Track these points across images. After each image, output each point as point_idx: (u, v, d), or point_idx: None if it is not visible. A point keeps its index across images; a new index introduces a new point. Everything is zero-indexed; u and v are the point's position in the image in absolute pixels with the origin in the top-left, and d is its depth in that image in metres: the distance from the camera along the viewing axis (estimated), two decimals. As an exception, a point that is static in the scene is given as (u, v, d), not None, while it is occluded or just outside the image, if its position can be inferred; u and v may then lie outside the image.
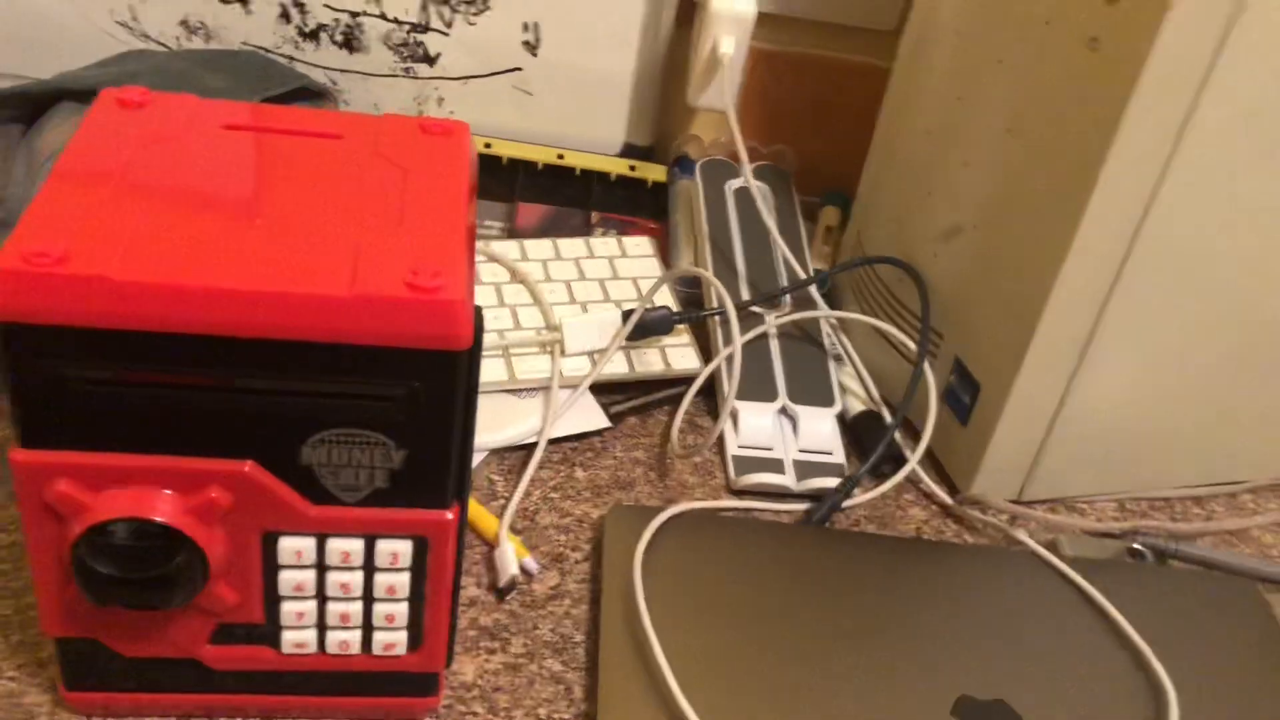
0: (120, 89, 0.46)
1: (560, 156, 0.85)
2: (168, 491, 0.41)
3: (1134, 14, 0.51)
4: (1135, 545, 0.63)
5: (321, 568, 0.44)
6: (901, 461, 0.66)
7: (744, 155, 0.75)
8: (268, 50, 0.83)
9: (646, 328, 0.68)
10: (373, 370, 0.39)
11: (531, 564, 0.57)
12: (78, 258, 0.37)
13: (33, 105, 0.69)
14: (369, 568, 0.44)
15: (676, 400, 0.69)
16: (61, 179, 0.41)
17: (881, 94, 0.75)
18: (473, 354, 0.40)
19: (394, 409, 0.41)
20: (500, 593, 0.56)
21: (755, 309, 0.72)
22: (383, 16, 0.82)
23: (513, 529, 0.60)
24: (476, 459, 0.63)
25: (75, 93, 0.68)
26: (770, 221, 0.75)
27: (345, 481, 0.42)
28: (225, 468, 0.41)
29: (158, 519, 0.40)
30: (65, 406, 0.39)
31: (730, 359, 0.66)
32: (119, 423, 0.40)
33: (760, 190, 0.80)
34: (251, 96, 0.72)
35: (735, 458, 0.66)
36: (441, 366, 0.40)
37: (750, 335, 0.69)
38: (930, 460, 0.69)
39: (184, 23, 0.82)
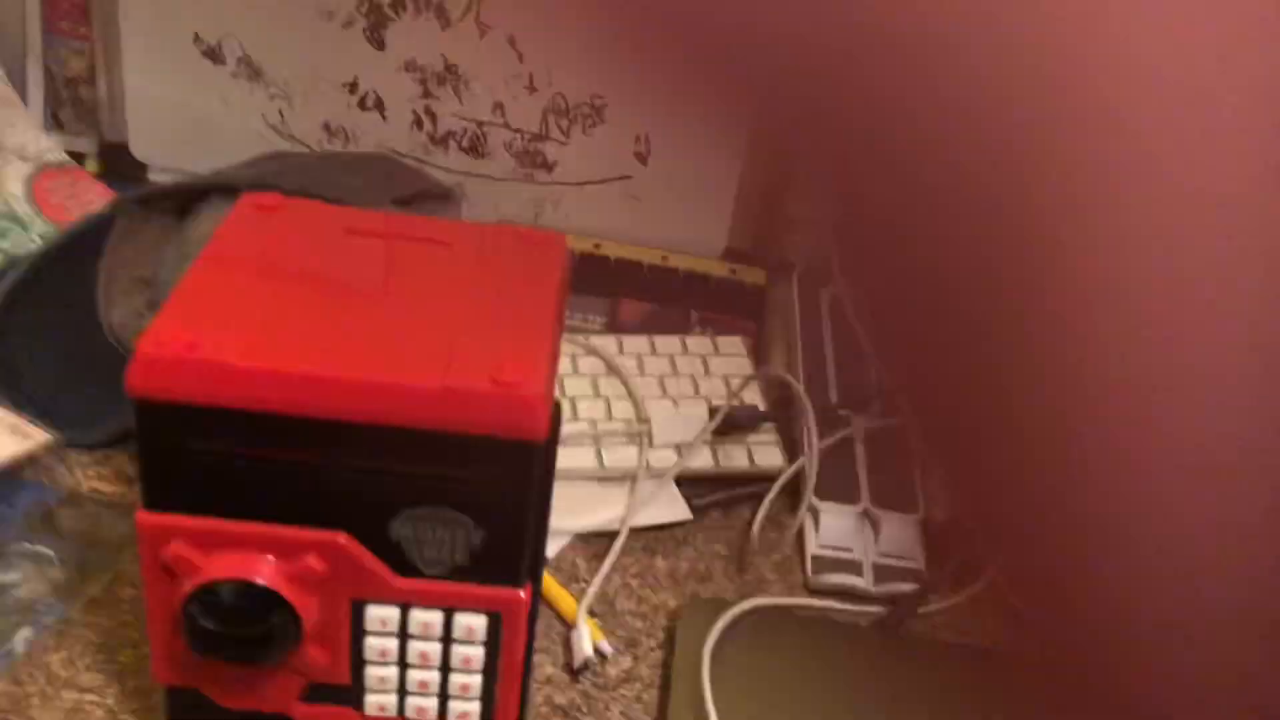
0: (258, 194, 0.51)
1: (664, 258, 0.89)
2: (270, 557, 0.45)
3: None
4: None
5: (404, 636, 0.47)
6: (981, 571, 0.67)
7: (837, 263, 0.77)
8: (400, 154, 0.90)
9: (734, 424, 0.71)
10: (458, 456, 0.43)
11: (606, 647, 0.60)
12: (206, 345, 0.42)
13: (186, 199, 0.76)
14: (447, 639, 0.47)
15: (760, 497, 0.71)
16: (199, 274, 0.46)
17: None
18: (549, 446, 0.44)
19: (475, 492, 0.44)
20: (575, 673, 0.59)
21: (844, 412, 0.74)
22: (506, 126, 0.88)
23: (591, 612, 0.62)
24: (562, 542, 0.66)
25: (225, 188, 0.75)
26: (861, 329, 0.77)
27: (429, 556, 0.46)
28: (322, 538, 0.45)
29: (259, 581, 0.45)
30: (185, 475, 0.44)
31: (812, 459, 0.68)
32: (230, 492, 0.44)
33: (854, 297, 0.82)
34: (383, 196, 0.78)
35: (814, 557, 0.67)
36: (519, 456, 0.43)
37: (835, 437, 0.71)
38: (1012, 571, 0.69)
39: (326, 126, 0.89)
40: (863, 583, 0.66)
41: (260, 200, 0.51)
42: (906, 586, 0.66)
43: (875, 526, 0.69)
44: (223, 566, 0.44)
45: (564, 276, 0.51)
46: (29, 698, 0.53)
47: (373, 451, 0.43)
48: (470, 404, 0.42)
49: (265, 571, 0.45)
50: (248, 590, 0.45)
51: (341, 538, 0.45)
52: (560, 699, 0.57)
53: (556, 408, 0.44)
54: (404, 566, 0.46)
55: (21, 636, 0.55)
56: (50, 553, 0.60)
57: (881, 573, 0.67)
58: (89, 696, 0.54)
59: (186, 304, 0.44)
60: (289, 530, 0.45)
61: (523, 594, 0.47)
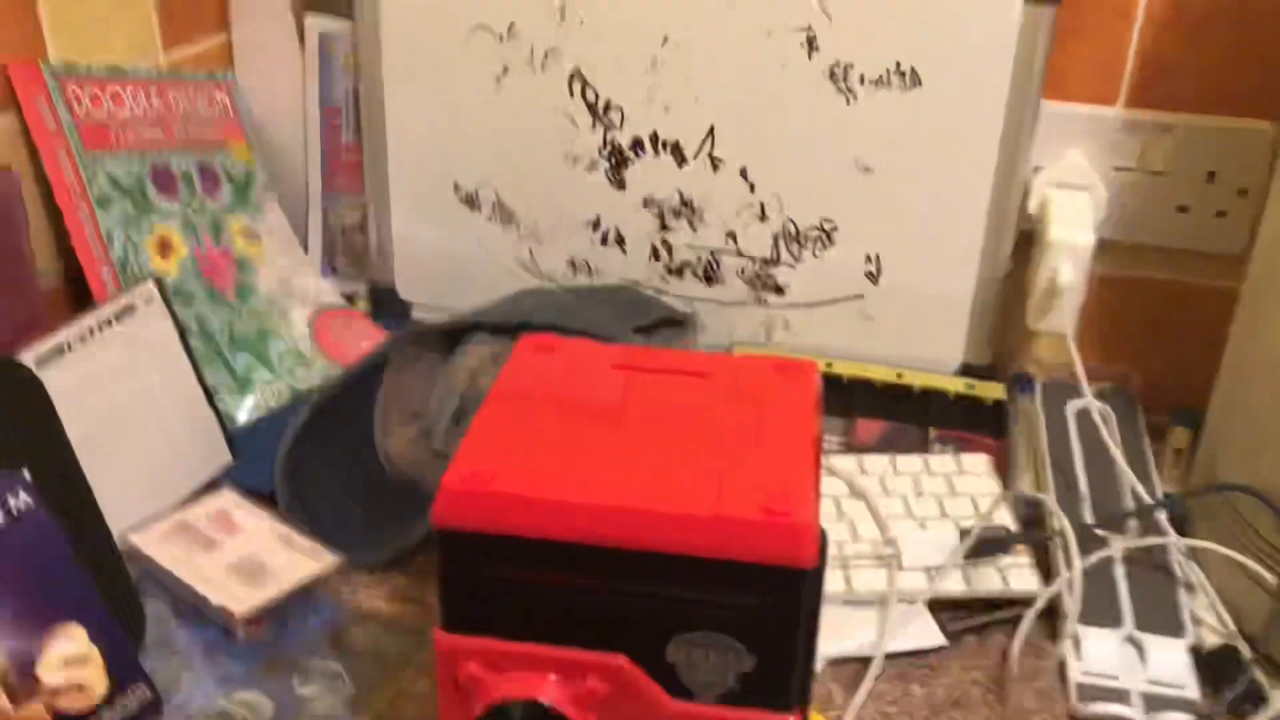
0: (536, 336, 0.56)
1: (899, 375, 0.90)
2: (554, 677, 0.48)
3: None
4: None
5: (677, 759, 0.49)
6: (1263, 701, 0.63)
7: (1083, 378, 0.76)
8: (639, 284, 0.95)
9: (985, 546, 0.70)
10: (730, 582, 0.45)
11: (867, 775, 0.59)
12: (502, 479, 0.46)
13: (452, 336, 0.82)
14: (718, 763, 0.48)
15: (1015, 621, 0.69)
16: (489, 412, 0.50)
17: (1228, 316, 0.75)
18: (817, 573, 0.45)
19: (747, 618, 0.46)
20: (836, 801, 0.58)
21: (1100, 532, 0.72)
22: (739, 254, 0.91)
23: (849, 739, 0.62)
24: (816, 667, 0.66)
25: (485, 326, 0.82)
26: (1113, 444, 0.75)
27: (701, 679, 0.47)
28: (603, 660, 0.47)
29: (545, 701, 0.47)
30: (480, 599, 0.47)
31: (1071, 582, 0.66)
32: (520, 615, 0.47)
33: (1102, 412, 0.81)
34: (626, 325, 0.83)
35: (1079, 685, 0.65)
36: (789, 582, 0.45)
37: (1093, 559, 0.69)
38: (1298, 703, 0.64)
39: (571, 262, 0.95)
40: (1132, 713, 0.63)
41: (538, 342, 0.56)
42: (1180, 717, 0.63)
43: (1142, 652, 0.66)
44: (512, 686, 0.47)
45: (818, 403, 0.53)
46: (327, 806, 0.57)
47: (650, 578, 0.45)
48: (743, 532, 0.44)
49: (551, 692, 0.47)
50: (535, 709, 0.47)
51: (621, 660, 0.47)
52: (823, 827, 0.57)
53: (823, 535, 0.46)
54: (678, 689, 0.48)
55: (319, 747, 0.60)
56: (340, 669, 0.65)
57: (1152, 702, 0.64)
58: (379, 807, 0.57)
59: (481, 440, 0.48)
60: (572, 652, 0.47)
61: (792, 718, 0.47)
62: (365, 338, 0.95)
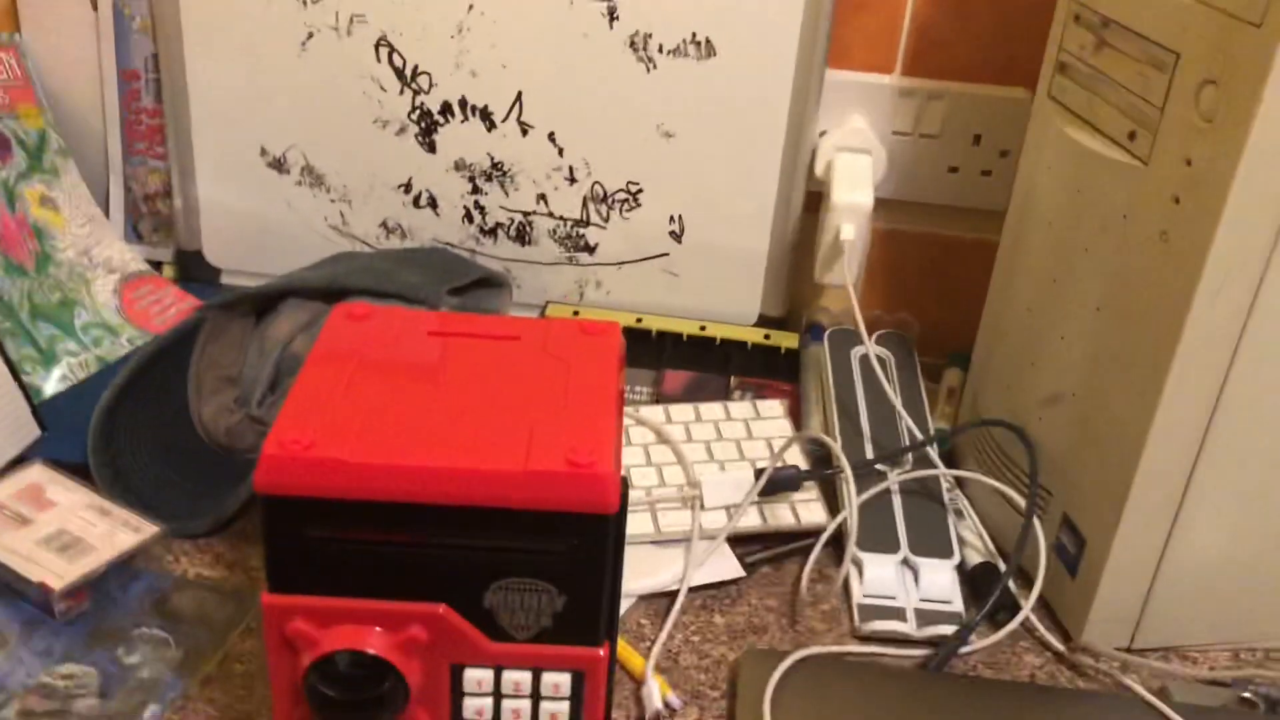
0: (350, 305, 0.58)
1: (702, 328, 0.96)
2: (379, 629, 0.51)
3: (1196, 213, 0.59)
4: (1246, 694, 0.67)
5: (498, 695, 0.53)
6: (1016, 610, 0.72)
7: (862, 327, 0.83)
8: (453, 245, 0.97)
9: (778, 484, 0.77)
10: (541, 530, 0.49)
11: (674, 700, 0.65)
12: (320, 444, 0.48)
13: (263, 302, 0.83)
14: (535, 696, 0.53)
15: (806, 551, 0.76)
16: (306, 380, 0.52)
17: (989, 265, 0.83)
18: (619, 517, 0.50)
19: (557, 562, 0.50)
20: (647, 723, 0.64)
21: (880, 467, 0.79)
22: (550, 215, 0.95)
23: (658, 668, 0.68)
24: (626, 604, 0.71)
25: (298, 290, 0.82)
26: (889, 387, 0.83)
27: (518, 622, 0.51)
28: (424, 610, 0.51)
29: (371, 651, 0.50)
30: (304, 560, 0.50)
31: (852, 513, 0.73)
32: (344, 573, 0.50)
33: (882, 356, 0.88)
34: (441, 287, 0.85)
35: (860, 605, 0.72)
36: (595, 527, 0.49)
37: (872, 491, 0.77)
38: (1044, 609, 0.74)
39: (384, 224, 0.97)
40: (906, 627, 0.71)
41: (351, 310, 0.58)
42: (948, 628, 0.71)
43: (915, 573, 0.74)
44: (339, 639, 0.50)
45: (621, 361, 0.57)
46: (159, 767, 0.59)
47: (467, 531, 0.49)
48: (550, 484, 0.48)
49: (376, 642, 0.51)
50: (360, 659, 0.50)
51: (441, 609, 0.51)
52: (635, 747, 0.62)
53: (624, 482, 0.50)
54: (496, 632, 0.52)
55: (149, 713, 0.61)
56: (166, 635, 0.66)
57: (924, 617, 0.72)
58: (212, 763, 0.59)
59: (300, 407, 0.50)
60: (395, 605, 0.51)
61: (602, 652, 0.52)
62: (174, 305, 0.94)
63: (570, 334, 0.59)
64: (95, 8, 0.92)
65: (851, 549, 0.72)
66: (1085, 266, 0.68)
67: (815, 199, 0.93)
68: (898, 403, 0.82)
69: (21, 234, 0.86)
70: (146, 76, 0.94)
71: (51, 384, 0.83)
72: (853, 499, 0.72)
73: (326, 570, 0.50)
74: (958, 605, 0.73)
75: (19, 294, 0.84)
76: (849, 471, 0.74)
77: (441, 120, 0.92)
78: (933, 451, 0.81)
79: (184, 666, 0.64)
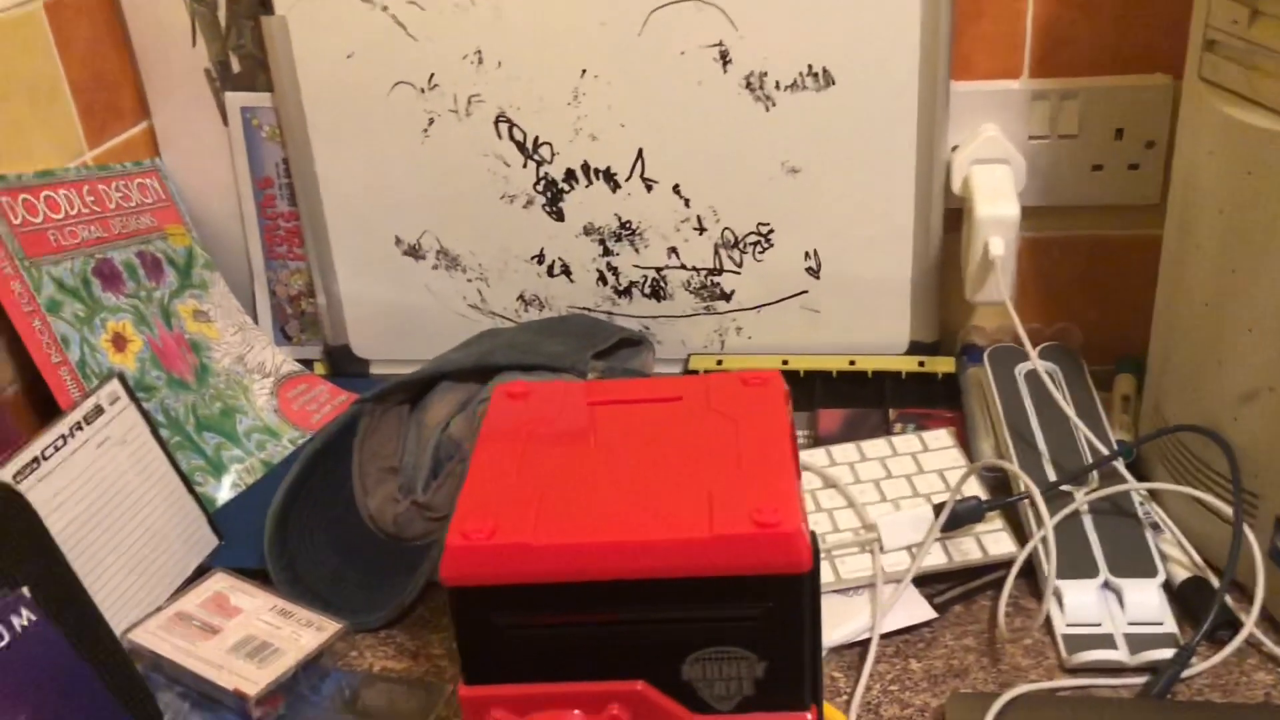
0: (508, 385, 0.58)
1: (852, 362, 0.93)
2: (578, 712, 0.50)
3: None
4: None
5: (705, 770, 0.51)
6: (1236, 626, 0.67)
7: (1027, 343, 0.79)
8: (590, 309, 0.97)
9: (960, 518, 0.73)
10: (733, 596, 0.47)
11: (882, 754, 0.62)
12: (502, 530, 0.47)
13: (416, 389, 0.84)
14: (745, 767, 0.51)
15: (997, 585, 0.73)
16: (478, 466, 0.52)
17: (1153, 262, 0.78)
18: (813, 574, 0.48)
19: (753, 627, 0.48)
20: (857, 784, 0.61)
21: (1065, 487, 0.75)
22: (683, 267, 0.94)
23: (860, 722, 0.65)
24: (817, 657, 0.69)
25: (448, 373, 0.83)
26: (1063, 400, 0.79)
27: (718, 692, 0.50)
28: (622, 689, 0.49)
29: (572, 736, 0.49)
30: (497, 648, 0.49)
31: (1045, 540, 0.69)
32: (537, 657, 0.49)
33: (1049, 370, 0.84)
34: (584, 353, 0.85)
35: (1065, 636, 0.68)
36: (789, 588, 0.47)
37: (1062, 515, 0.73)
38: (1268, 622, 0.68)
39: (521, 297, 0.97)
40: (1119, 655, 0.66)
41: (510, 389, 0.58)
42: (1163, 652, 0.66)
43: (1120, 596, 0.70)
44: (539, 727, 0.49)
45: (789, 409, 0.55)
46: None
47: (658, 604, 0.48)
48: (738, 548, 0.46)
49: (576, 726, 0.49)
50: (564, 745, 0.49)
51: (640, 686, 0.49)
52: (848, 810, 0.60)
53: (813, 537, 0.48)
54: (698, 704, 0.50)
55: (353, 812, 0.61)
56: (361, 731, 0.66)
57: (1135, 642, 0.67)
58: None
59: (476, 495, 0.50)
60: (593, 685, 0.49)
61: (809, 717, 0.50)
62: (329, 401, 0.96)
63: (732, 387, 0.57)
64: (226, 123, 0.95)
65: (1051, 577, 0.68)
66: (1269, 251, 0.63)
67: (955, 216, 0.90)
68: (1075, 418, 0.78)
69: (180, 349, 0.89)
70: (279, 182, 0.97)
71: (224, 492, 0.85)
72: (1047, 523, 0.69)
73: (520, 656, 0.49)
74: (1170, 626, 0.68)
75: (184, 408, 0.86)
76: (1038, 495, 0.70)
77: (566, 187, 0.92)
78: (1121, 466, 0.76)
79: (382, 762, 0.64)
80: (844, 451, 0.82)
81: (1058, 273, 0.93)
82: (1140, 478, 0.77)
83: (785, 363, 0.94)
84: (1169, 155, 0.86)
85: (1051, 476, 0.77)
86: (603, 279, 0.96)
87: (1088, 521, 0.74)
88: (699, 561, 0.47)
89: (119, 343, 0.83)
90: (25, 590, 0.59)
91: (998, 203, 0.84)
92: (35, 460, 0.69)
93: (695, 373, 0.95)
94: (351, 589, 0.76)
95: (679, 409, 0.56)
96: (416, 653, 0.72)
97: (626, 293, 0.96)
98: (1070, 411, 0.78)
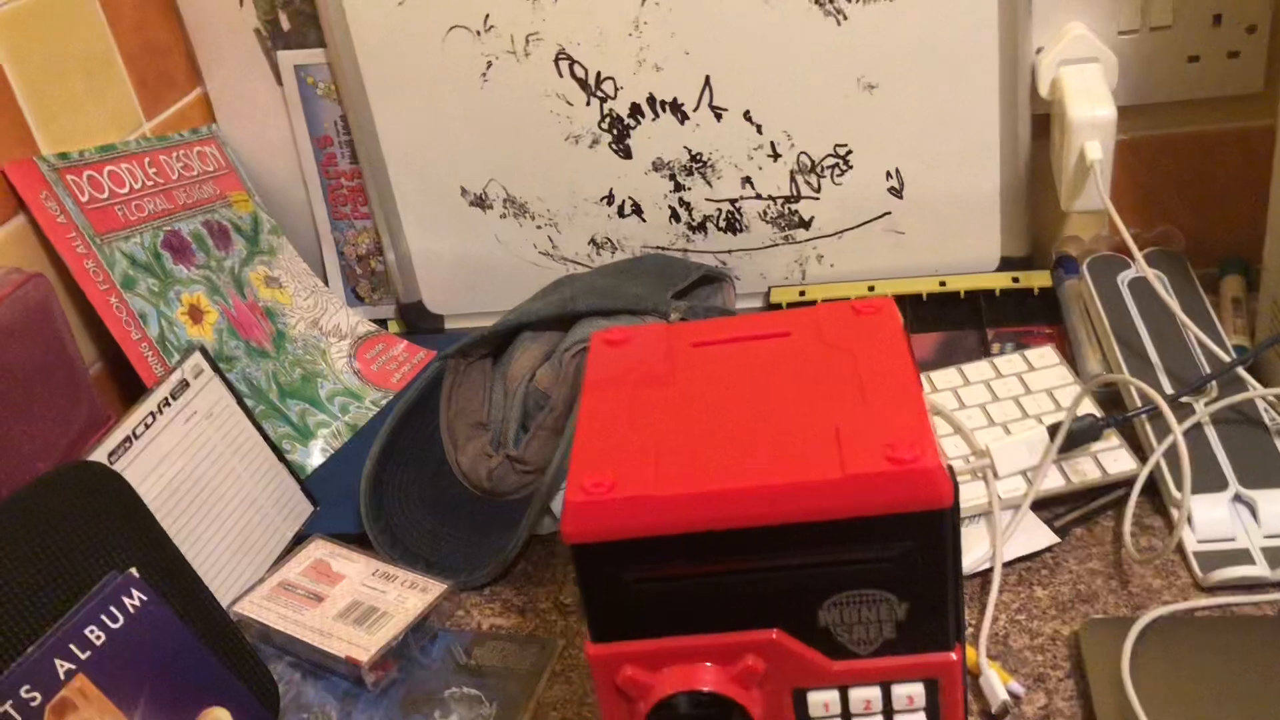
0: (606, 332, 0.55)
1: (942, 283, 0.89)
2: (711, 665, 0.48)
3: None
4: None
5: (846, 716, 0.49)
6: (1386, 533, 0.63)
7: (1134, 248, 0.75)
8: (664, 248, 0.94)
9: (1076, 438, 0.70)
10: (871, 537, 0.45)
11: (1017, 688, 0.60)
12: (622, 483, 0.45)
13: (498, 341, 0.82)
14: (888, 711, 0.49)
15: (1118, 504, 0.70)
16: (587, 418, 0.50)
17: (1257, 155, 0.74)
18: (954, 510, 0.45)
19: (893, 568, 0.46)
20: (994, 719, 0.59)
21: (1184, 399, 0.72)
22: (758, 196, 0.91)
23: (989, 655, 0.62)
24: (937, 591, 0.66)
25: (529, 324, 0.81)
26: (1175, 307, 0.75)
27: (858, 636, 0.47)
28: (756, 638, 0.47)
29: (708, 689, 0.47)
30: (624, 604, 0.47)
31: (1168, 454, 0.66)
32: (666, 611, 0.47)
33: (1156, 277, 0.80)
34: (664, 293, 0.82)
35: (1197, 554, 0.65)
36: (930, 525, 0.45)
37: (1185, 426, 0.69)
38: None
39: (592, 240, 0.94)
40: (1258, 570, 0.63)
41: (609, 337, 0.55)
42: (1305, 564, 0.63)
43: (1253, 509, 0.66)
44: (673, 681, 0.47)
45: (907, 337, 0.52)
46: (502, 829, 0.58)
47: (790, 549, 0.45)
48: (875, 487, 0.44)
49: (711, 678, 0.47)
50: (700, 699, 0.47)
51: (774, 634, 0.47)
52: (987, 746, 0.58)
53: (950, 470, 0.45)
54: (836, 650, 0.48)
55: (479, 774, 0.60)
56: (478, 692, 0.65)
57: (1274, 556, 0.64)
58: (553, 819, 0.58)
59: (590, 448, 0.48)
60: (725, 636, 0.47)
61: (955, 656, 0.47)
62: (407, 360, 0.94)
63: (843, 318, 0.54)
64: (280, 83, 0.93)
65: (1186, 493, 0.65)
66: None
67: (1043, 123, 0.85)
68: (1189, 323, 0.74)
69: (255, 317, 0.88)
70: (339, 139, 0.94)
71: (313, 459, 0.84)
72: (1177, 433, 0.65)
73: (648, 611, 0.47)
74: (1311, 537, 0.65)
75: (265, 376, 0.85)
76: (1165, 406, 0.66)
77: (632, 123, 0.89)
78: (1242, 371, 0.72)
79: (501, 722, 0.63)
80: (945, 377, 0.79)
81: (1154, 175, 0.88)
82: (1262, 383, 0.74)
83: (871, 289, 0.91)
84: (1273, 39, 0.81)
85: (1168, 388, 0.73)
86: (675, 215, 0.93)
87: (1211, 433, 0.70)
88: (833, 504, 0.44)
89: (195, 315, 0.82)
90: (134, 570, 0.59)
91: (1092, 104, 0.79)
92: (128, 439, 0.68)
93: (778, 306, 0.92)
94: (451, 548, 0.75)
95: (789, 344, 0.53)
96: (524, 608, 0.71)
97: (701, 228, 0.93)
98: (1184, 317, 0.74)
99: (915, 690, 0.48)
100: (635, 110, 0.89)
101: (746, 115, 0.88)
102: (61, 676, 0.54)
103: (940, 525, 0.45)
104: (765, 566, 0.46)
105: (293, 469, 0.79)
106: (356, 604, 0.70)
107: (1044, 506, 0.70)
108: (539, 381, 0.78)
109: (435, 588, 0.70)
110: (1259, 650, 0.58)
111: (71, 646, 0.55)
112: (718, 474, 0.45)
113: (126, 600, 0.57)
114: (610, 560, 0.46)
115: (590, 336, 0.56)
